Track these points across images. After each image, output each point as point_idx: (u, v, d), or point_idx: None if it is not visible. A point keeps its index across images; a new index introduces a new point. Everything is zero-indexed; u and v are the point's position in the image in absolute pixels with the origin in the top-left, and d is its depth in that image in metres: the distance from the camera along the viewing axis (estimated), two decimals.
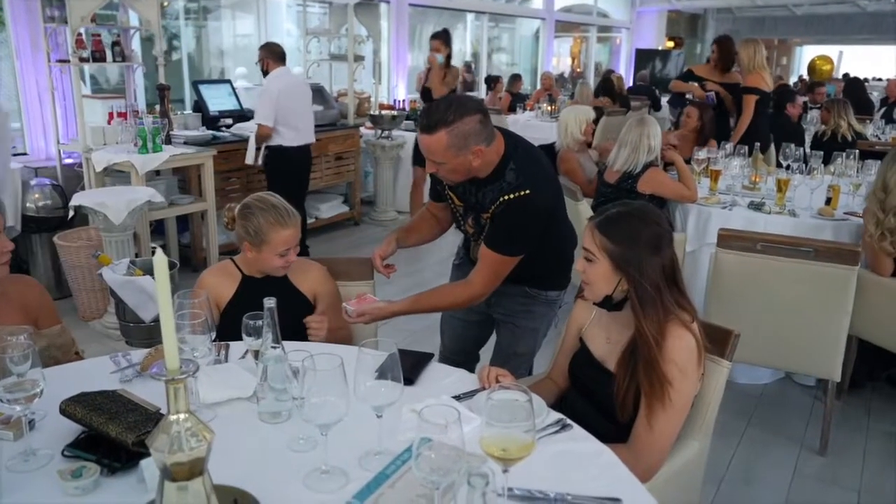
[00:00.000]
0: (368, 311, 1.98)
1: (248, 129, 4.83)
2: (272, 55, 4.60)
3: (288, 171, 4.72)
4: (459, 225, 2.17)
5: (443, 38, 5.65)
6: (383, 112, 6.37)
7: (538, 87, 10.67)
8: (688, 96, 5.76)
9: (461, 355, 2.43)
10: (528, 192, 1.88)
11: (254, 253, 2.03)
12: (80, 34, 4.37)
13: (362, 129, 6.26)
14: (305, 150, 4.80)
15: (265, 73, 4.65)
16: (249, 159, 4.66)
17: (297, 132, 4.66)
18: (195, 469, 0.98)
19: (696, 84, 5.44)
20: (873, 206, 2.84)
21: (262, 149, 4.65)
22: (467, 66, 9.85)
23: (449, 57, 5.62)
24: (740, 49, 5.05)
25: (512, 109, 8.49)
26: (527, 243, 1.96)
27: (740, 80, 5.16)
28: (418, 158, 4.43)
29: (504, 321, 2.25)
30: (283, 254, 2.02)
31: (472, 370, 2.00)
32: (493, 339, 2.40)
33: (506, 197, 1.89)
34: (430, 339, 2.80)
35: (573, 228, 2.24)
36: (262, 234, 1.99)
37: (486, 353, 2.43)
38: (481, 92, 9.61)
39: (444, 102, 1.85)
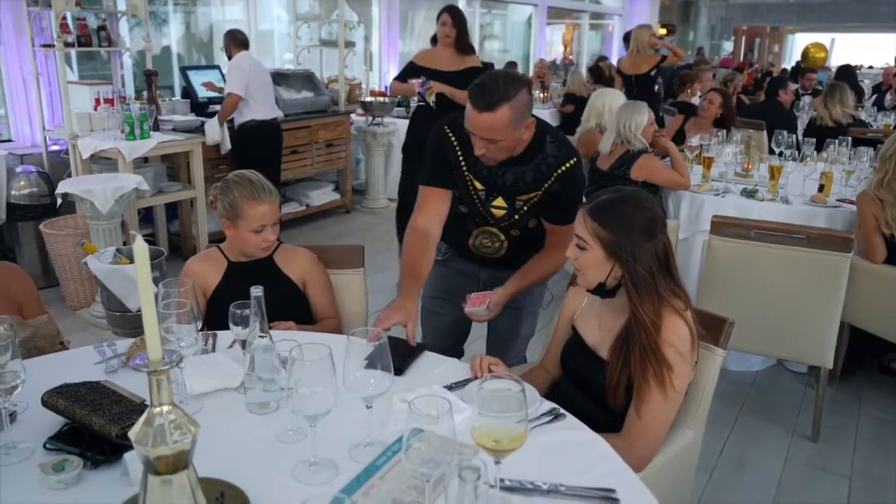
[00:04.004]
0: (495, 300, 1.99)
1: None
2: (234, 41, 4.78)
3: (262, 145, 4.81)
4: (471, 211, 2.04)
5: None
6: (374, 99, 6.32)
7: (531, 74, 10.63)
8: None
9: (443, 351, 2.35)
10: (574, 160, 1.93)
11: (232, 230, 2.01)
12: (64, 18, 4.29)
13: (353, 116, 6.21)
14: (276, 124, 4.98)
15: (230, 58, 4.81)
16: (213, 138, 4.65)
17: (265, 107, 4.84)
18: (179, 462, 0.95)
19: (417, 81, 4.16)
20: (882, 192, 2.83)
21: (226, 130, 4.73)
22: None
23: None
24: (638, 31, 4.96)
25: None
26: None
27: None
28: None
29: (506, 307, 2.17)
30: (259, 230, 1.98)
31: None
32: (477, 333, 2.37)
33: (560, 170, 1.91)
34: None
35: None
36: (237, 208, 1.96)
37: (469, 347, 2.40)
38: None
39: (497, 78, 1.78)
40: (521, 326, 2.25)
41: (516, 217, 2.01)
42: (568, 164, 1.91)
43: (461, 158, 1.98)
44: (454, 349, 2.31)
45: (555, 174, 1.91)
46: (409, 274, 1.94)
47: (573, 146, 1.99)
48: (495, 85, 1.75)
